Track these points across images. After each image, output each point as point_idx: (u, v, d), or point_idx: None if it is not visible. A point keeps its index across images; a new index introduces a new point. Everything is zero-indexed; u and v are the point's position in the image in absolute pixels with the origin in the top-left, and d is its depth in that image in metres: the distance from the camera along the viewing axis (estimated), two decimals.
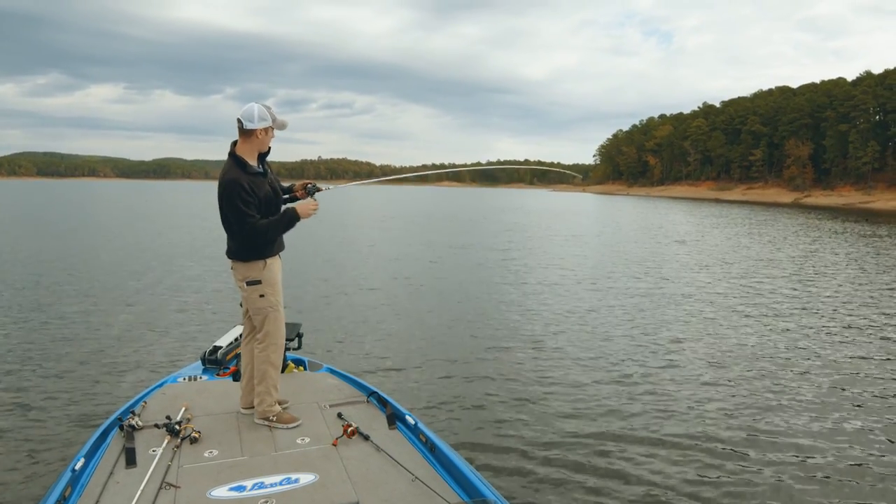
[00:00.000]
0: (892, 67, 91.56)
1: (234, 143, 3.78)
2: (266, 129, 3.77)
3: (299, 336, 5.14)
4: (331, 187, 4.21)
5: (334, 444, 3.35)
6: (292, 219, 3.77)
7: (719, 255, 20.87)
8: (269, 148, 3.89)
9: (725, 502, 4.60)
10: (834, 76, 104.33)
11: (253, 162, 3.77)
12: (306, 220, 3.89)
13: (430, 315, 10.84)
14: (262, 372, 3.78)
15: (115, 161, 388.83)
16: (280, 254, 3.95)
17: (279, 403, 3.81)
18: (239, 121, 3.72)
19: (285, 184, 4.13)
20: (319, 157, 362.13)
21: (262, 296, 3.78)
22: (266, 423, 3.68)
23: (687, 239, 27.15)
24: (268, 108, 3.78)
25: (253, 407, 3.84)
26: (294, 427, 3.63)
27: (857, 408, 6.59)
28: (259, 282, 3.76)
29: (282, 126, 3.89)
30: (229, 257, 3.83)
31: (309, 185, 4.03)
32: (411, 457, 3.23)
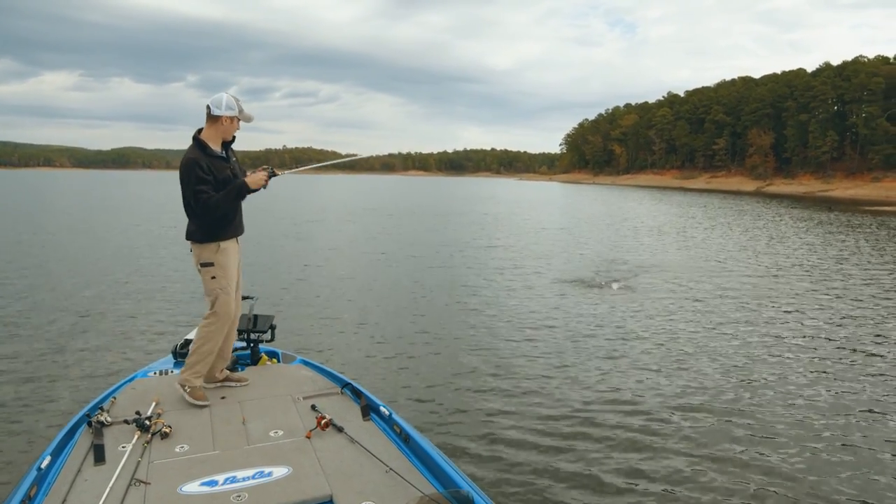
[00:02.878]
0: (850, 59, 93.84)
1: (200, 130, 3.99)
2: (232, 119, 3.99)
3: (272, 328, 5.09)
4: (286, 173, 4.34)
5: (308, 437, 3.32)
6: (241, 188, 3.91)
7: (709, 248, 21.09)
8: (234, 137, 4.09)
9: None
10: (791, 67, 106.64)
11: (216, 147, 3.97)
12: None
13: (404, 307, 10.83)
14: (199, 346, 3.96)
15: (71, 150, 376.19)
16: (238, 238, 4.12)
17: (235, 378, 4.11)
18: (207, 107, 3.94)
19: (249, 172, 4.21)
20: (284, 146, 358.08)
21: (213, 277, 3.96)
22: (180, 390, 3.85)
23: (667, 230, 27.19)
24: (237, 99, 4.00)
25: (217, 379, 4.16)
26: (202, 406, 3.77)
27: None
28: (212, 264, 3.94)
29: (247, 119, 4.10)
30: (187, 239, 4.00)
31: (268, 169, 4.11)
32: (386, 448, 3.22)
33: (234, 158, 4.12)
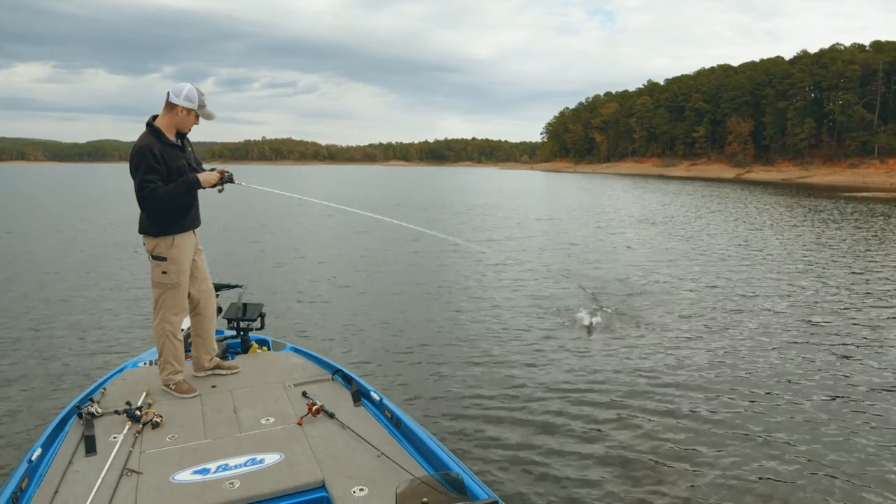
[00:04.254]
0: (827, 47, 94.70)
1: (155, 117, 3.89)
2: (189, 111, 3.86)
3: (262, 316, 5.10)
4: (243, 184, 4.29)
5: (299, 423, 3.34)
6: (192, 185, 3.85)
7: (703, 240, 20.86)
8: (190, 129, 3.98)
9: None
10: (768, 55, 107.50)
11: (170, 136, 3.85)
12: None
13: (392, 293, 10.88)
14: (161, 345, 3.93)
15: (45, 143, 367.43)
16: (195, 230, 4.06)
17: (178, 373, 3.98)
18: (168, 93, 3.82)
19: (207, 166, 4.22)
20: (263, 137, 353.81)
21: (164, 272, 3.89)
22: (167, 390, 3.85)
23: (656, 219, 26.50)
24: (201, 93, 3.89)
25: (207, 368, 4.16)
26: (191, 397, 3.78)
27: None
28: (164, 259, 3.87)
29: (207, 116, 3.99)
30: (140, 233, 3.91)
31: (225, 174, 4.09)
32: (377, 433, 3.25)
33: (189, 149, 4.03)
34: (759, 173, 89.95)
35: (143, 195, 3.70)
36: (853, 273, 13.14)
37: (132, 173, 3.73)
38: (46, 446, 3.10)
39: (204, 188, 3.92)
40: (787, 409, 5.94)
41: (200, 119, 3.99)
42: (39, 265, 13.43)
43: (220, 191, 4.05)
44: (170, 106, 3.83)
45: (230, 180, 4.07)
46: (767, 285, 11.78)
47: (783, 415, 5.80)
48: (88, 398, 3.61)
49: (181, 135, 3.95)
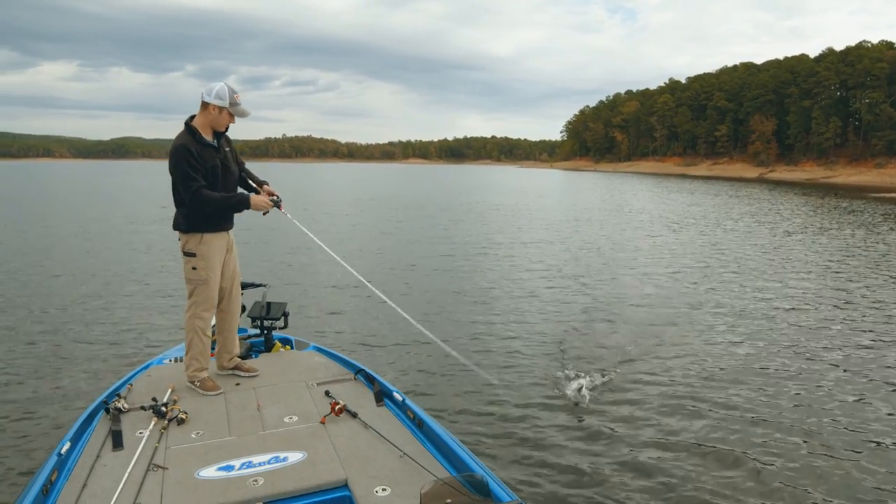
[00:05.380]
0: (853, 44, 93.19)
1: (193, 116, 3.95)
2: (220, 109, 3.90)
3: (286, 315, 5.13)
4: (289, 215, 4.41)
5: (322, 422, 3.35)
6: (241, 202, 3.96)
7: (730, 243, 20.41)
8: (227, 127, 4.02)
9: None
10: (791, 53, 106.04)
11: (206, 135, 3.90)
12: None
13: (415, 294, 10.86)
14: (189, 340, 3.99)
15: (70, 141, 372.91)
16: (230, 231, 4.13)
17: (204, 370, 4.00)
18: (202, 93, 3.90)
19: (260, 176, 4.37)
20: (284, 134, 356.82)
21: (194, 268, 3.96)
22: (192, 387, 3.90)
23: (686, 222, 24.95)
24: (233, 91, 3.92)
25: (226, 367, 4.21)
26: (215, 395, 3.82)
27: None
28: (194, 255, 3.94)
29: (241, 114, 4.02)
30: (174, 228, 4.00)
31: (275, 197, 4.21)
32: (399, 433, 3.25)
33: (227, 148, 4.07)
34: (783, 173, 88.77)
35: (190, 194, 3.77)
36: None
37: (171, 171, 3.81)
38: (75, 440, 3.15)
39: (251, 209, 3.99)
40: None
41: (237, 118, 4.03)
42: (66, 263, 13.61)
43: (264, 213, 4.15)
44: (203, 105, 3.89)
45: (277, 205, 4.15)
46: (814, 310, 9.98)
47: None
48: (115, 394, 3.66)
49: (219, 134, 4.00)
